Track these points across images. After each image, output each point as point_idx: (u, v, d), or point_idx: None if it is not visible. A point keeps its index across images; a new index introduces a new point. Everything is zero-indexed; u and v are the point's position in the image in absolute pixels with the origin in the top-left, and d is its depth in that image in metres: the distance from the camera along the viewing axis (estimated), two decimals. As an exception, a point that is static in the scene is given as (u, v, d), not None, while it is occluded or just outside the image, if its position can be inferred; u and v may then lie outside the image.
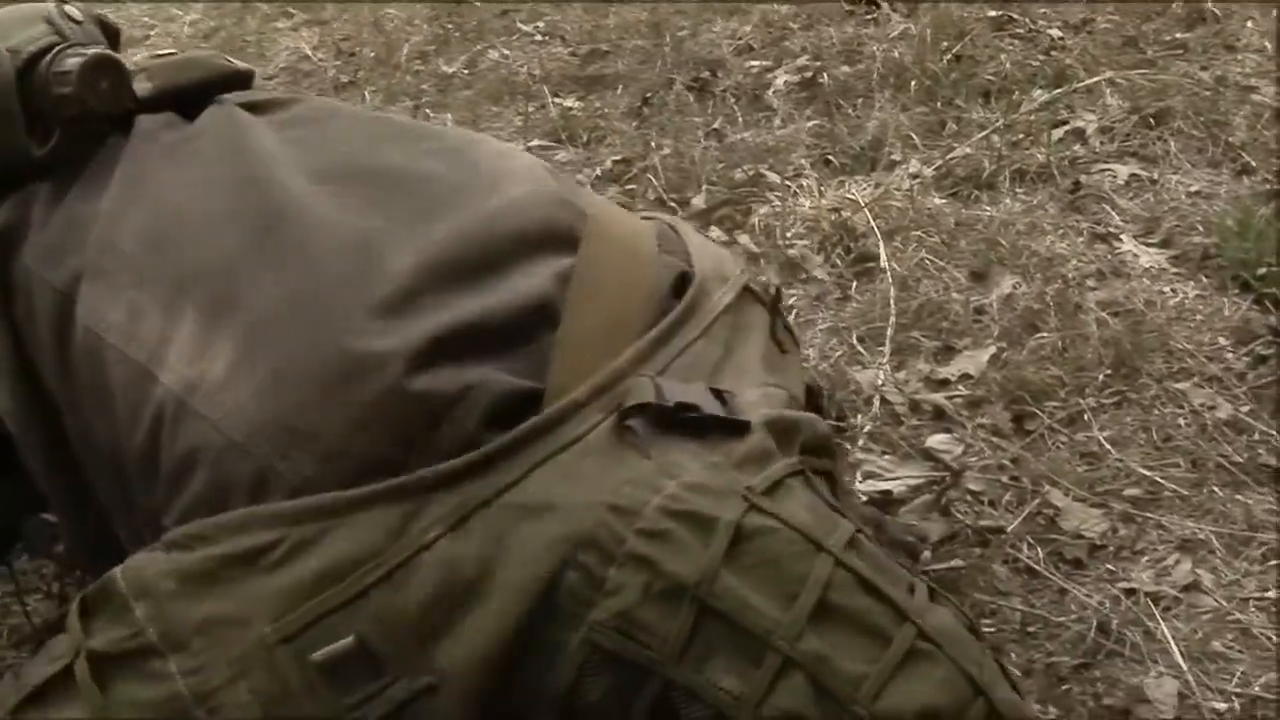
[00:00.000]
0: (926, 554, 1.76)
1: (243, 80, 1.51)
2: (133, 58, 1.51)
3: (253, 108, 1.42)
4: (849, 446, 1.99)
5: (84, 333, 1.26)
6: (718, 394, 1.12)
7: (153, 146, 1.37)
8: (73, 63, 1.38)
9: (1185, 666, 1.61)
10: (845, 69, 3.34)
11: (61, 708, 1.06)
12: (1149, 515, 1.86)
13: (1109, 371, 2.12)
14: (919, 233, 2.54)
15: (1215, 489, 1.90)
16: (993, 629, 1.69)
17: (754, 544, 1.03)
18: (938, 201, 2.69)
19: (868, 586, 1.03)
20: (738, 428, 1.10)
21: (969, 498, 1.90)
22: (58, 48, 1.40)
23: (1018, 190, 2.73)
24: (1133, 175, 2.75)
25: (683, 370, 1.16)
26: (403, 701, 1.02)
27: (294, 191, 1.26)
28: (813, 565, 1.03)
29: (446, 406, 1.08)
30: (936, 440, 2.02)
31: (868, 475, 1.94)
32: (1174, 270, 2.41)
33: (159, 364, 1.19)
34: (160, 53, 1.53)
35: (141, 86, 1.43)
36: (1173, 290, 2.34)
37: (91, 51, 1.39)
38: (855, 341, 2.27)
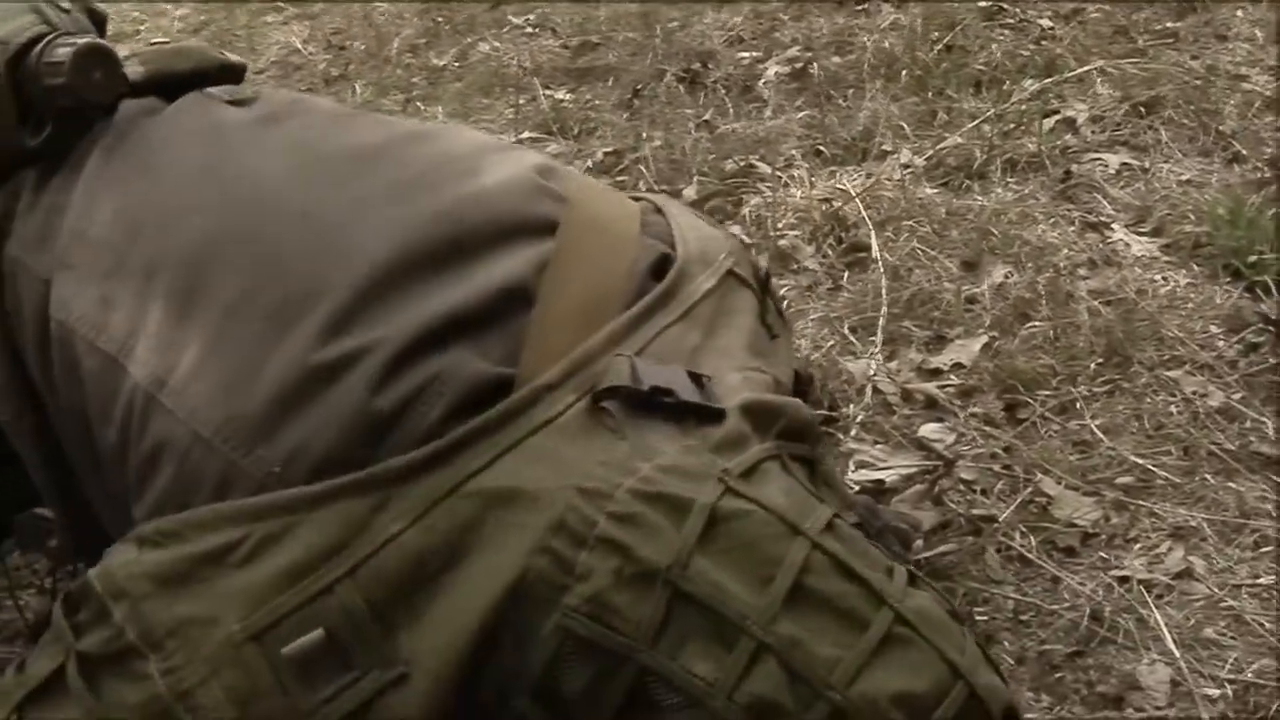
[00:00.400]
0: (919, 542, 1.76)
1: (234, 73, 1.50)
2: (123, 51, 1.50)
3: (230, 102, 1.41)
4: (841, 436, 2.00)
5: (56, 325, 1.26)
6: (695, 378, 1.11)
7: (130, 133, 1.36)
8: (64, 52, 1.36)
9: (1178, 654, 1.61)
10: (836, 59, 3.34)
11: (58, 708, 1.06)
12: (1141, 503, 1.85)
13: (1101, 360, 2.12)
14: (910, 222, 2.54)
15: (1207, 476, 1.90)
16: (985, 617, 1.69)
17: (729, 527, 1.02)
18: (929, 191, 2.69)
19: (845, 570, 1.02)
20: (713, 414, 1.09)
21: (961, 486, 1.90)
22: (47, 38, 1.38)
23: (1009, 180, 2.73)
24: (1124, 164, 2.75)
25: (659, 354, 1.15)
26: (374, 693, 1.02)
27: (264, 176, 1.25)
28: (788, 549, 1.02)
29: (413, 399, 1.07)
30: (929, 429, 2.02)
31: (860, 465, 1.94)
32: (1165, 259, 2.41)
33: (128, 356, 1.19)
34: (155, 42, 1.53)
35: (134, 70, 1.42)
36: (1164, 279, 2.34)
37: (83, 41, 1.38)
38: (847, 331, 2.27)
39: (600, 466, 1.04)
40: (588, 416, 1.08)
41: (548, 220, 1.22)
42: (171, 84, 1.44)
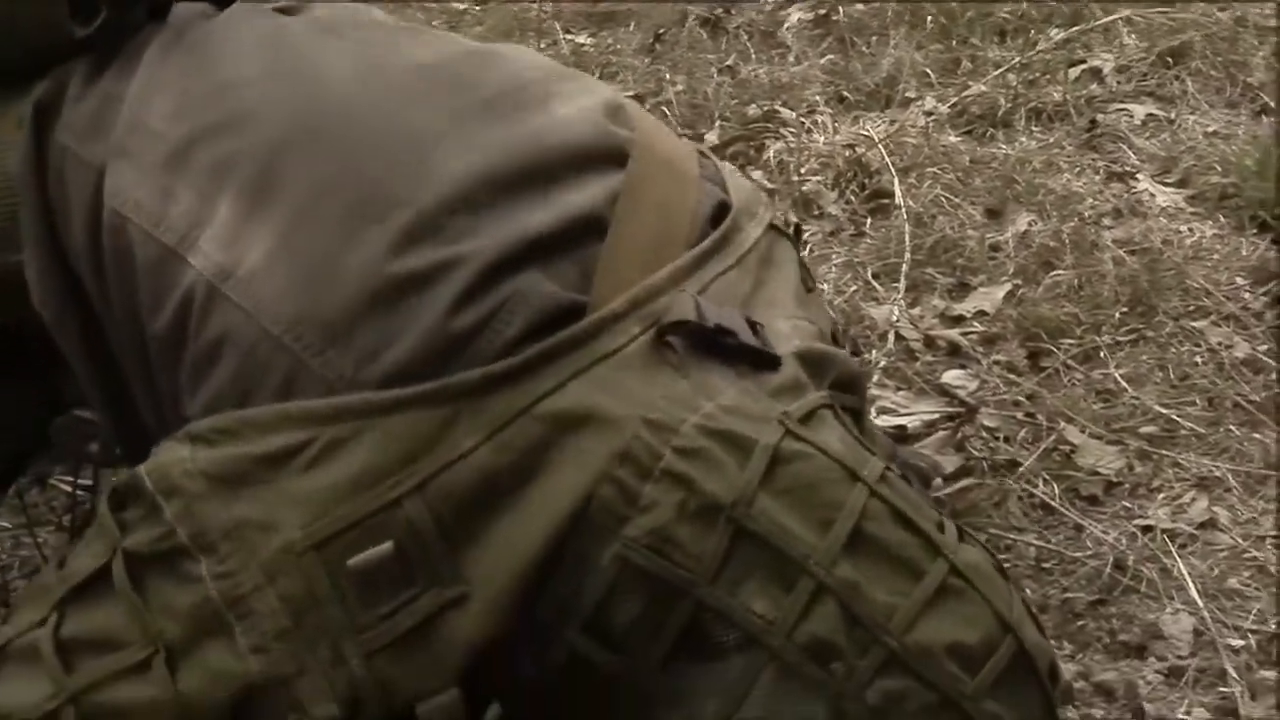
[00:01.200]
0: (938, 481, 1.75)
1: None
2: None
3: (280, 10, 1.38)
4: (863, 382, 1.99)
5: (110, 213, 1.21)
6: (751, 324, 1.10)
7: (187, 33, 1.32)
8: None
9: (1201, 603, 1.61)
10: (859, 6, 3.32)
11: (102, 608, 1.04)
12: (1165, 453, 1.85)
13: (1125, 309, 2.11)
14: (934, 169, 2.52)
15: (1232, 427, 1.89)
16: (1008, 564, 1.67)
17: (791, 468, 1.01)
18: (953, 139, 2.67)
19: (902, 519, 1.01)
20: (770, 360, 1.07)
21: (984, 434, 1.89)
22: None
23: (1034, 128, 2.71)
24: (1150, 115, 2.74)
25: (716, 297, 1.12)
26: (432, 611, 1.00)
27: (335, 82, 1.22)
28: (848, 494, 1.01)
29: (490, 317, 1.05)
30: (951, 376, 2.01)
31: (882, 411, 1.93)
32: (1191, 210, 2.40)
33: (190, 248, 1.15)
34: None
35: None
36: (1190, 229, 2.33)
37: None
38: (870, 278, 2.26)
39: (664, 400, 1.03)
40: (652, 350, 1.06)
41: (619, 153, 1.19)
42: None
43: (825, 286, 2.21)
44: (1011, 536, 1.73)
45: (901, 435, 1.87)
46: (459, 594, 1.00)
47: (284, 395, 1.06)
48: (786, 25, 3.27)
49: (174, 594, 1.01)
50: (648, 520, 1.00)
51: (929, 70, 2.95)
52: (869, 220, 2.43)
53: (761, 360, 1.07)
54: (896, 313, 2.14)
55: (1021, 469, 1.82)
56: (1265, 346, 2.03)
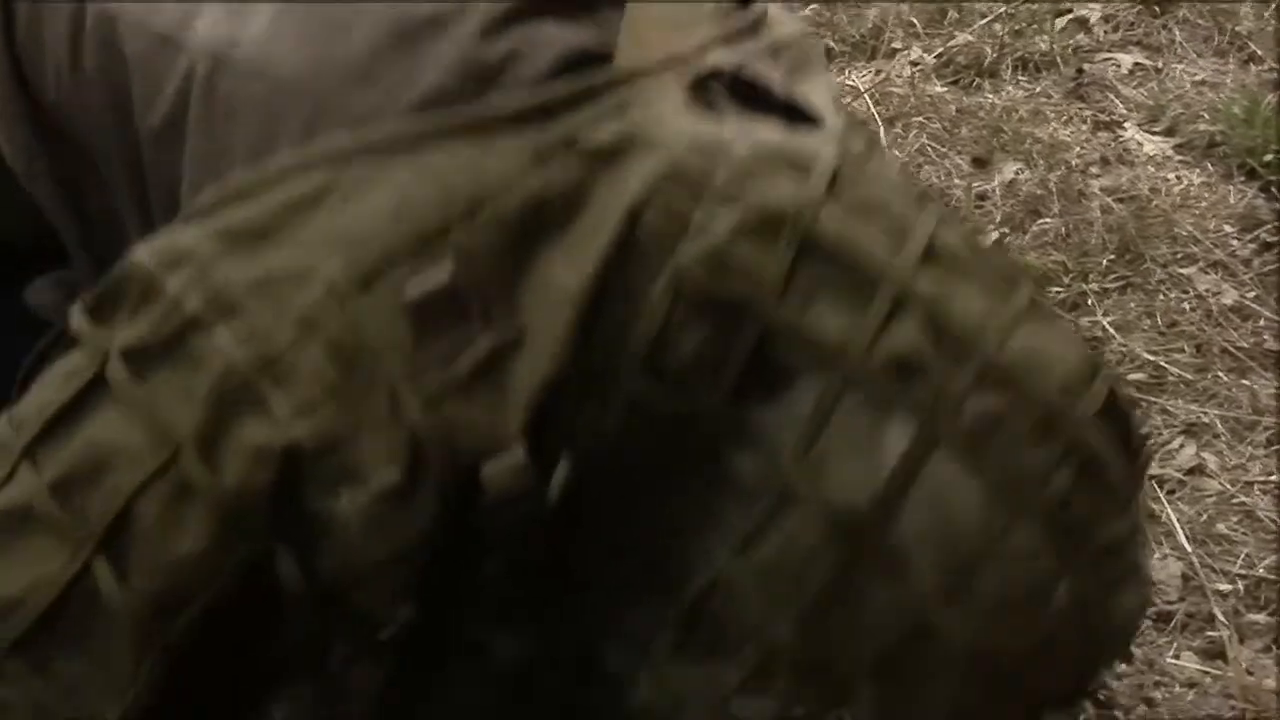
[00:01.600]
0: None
1: None
2: None
3: None
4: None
5: (96, 18, 1.12)
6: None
7: None
8: None
9: (1190, 549, 1.60)
10: (845, -44, 3.29)
11: (87, 430, 0.91)
12: (1153, 400, 1.84)
13: (1113, 257, 2.10)
14: (920, 119, 2.50)
15: (1220, 374, 1.88)
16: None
17: (856, 185, 0.93)
18: (939, 89, 2.65)
19: (975, 245, 0.95)
20: (813, 119, 0.99)
21: (971, 382, 1.88)
22: None
23: (1020, 78, 2.69)
24: (1137, 64, 2.71)
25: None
26: (490, 354, 0.92)
27: None
28: (918, 214, 0.93)
29: (515, 55, 0.97)
30: (938, 325, 2.00)
31: (868, 359, 1.91)
32: (1179, 158, 2.38)
33: (186, 29, 1.06)
34: None
35: None
36: (1178, 177, 2.31)
37: None
38: (856, 227, 2.23)
39: (711, 132, 0.96)
40: (689, 101, 0.98)
41: None
42: None
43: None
44: (999, 484, 1.71)
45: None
46: (515, 334, 0.92)
47: (307, 140, 0.98)
48: (771, -24, 3.24)
49: (185, 381, 0.90)
50: (702, 241, 0.91)
51: (915, 20, 2.92)
52: (855, 170, 2.41)
53: (803, 118, 1.00)
54: (883, 262, 2.12)
55: (1009, 416, 1.81)
56: (1253, 293, 2.02)
